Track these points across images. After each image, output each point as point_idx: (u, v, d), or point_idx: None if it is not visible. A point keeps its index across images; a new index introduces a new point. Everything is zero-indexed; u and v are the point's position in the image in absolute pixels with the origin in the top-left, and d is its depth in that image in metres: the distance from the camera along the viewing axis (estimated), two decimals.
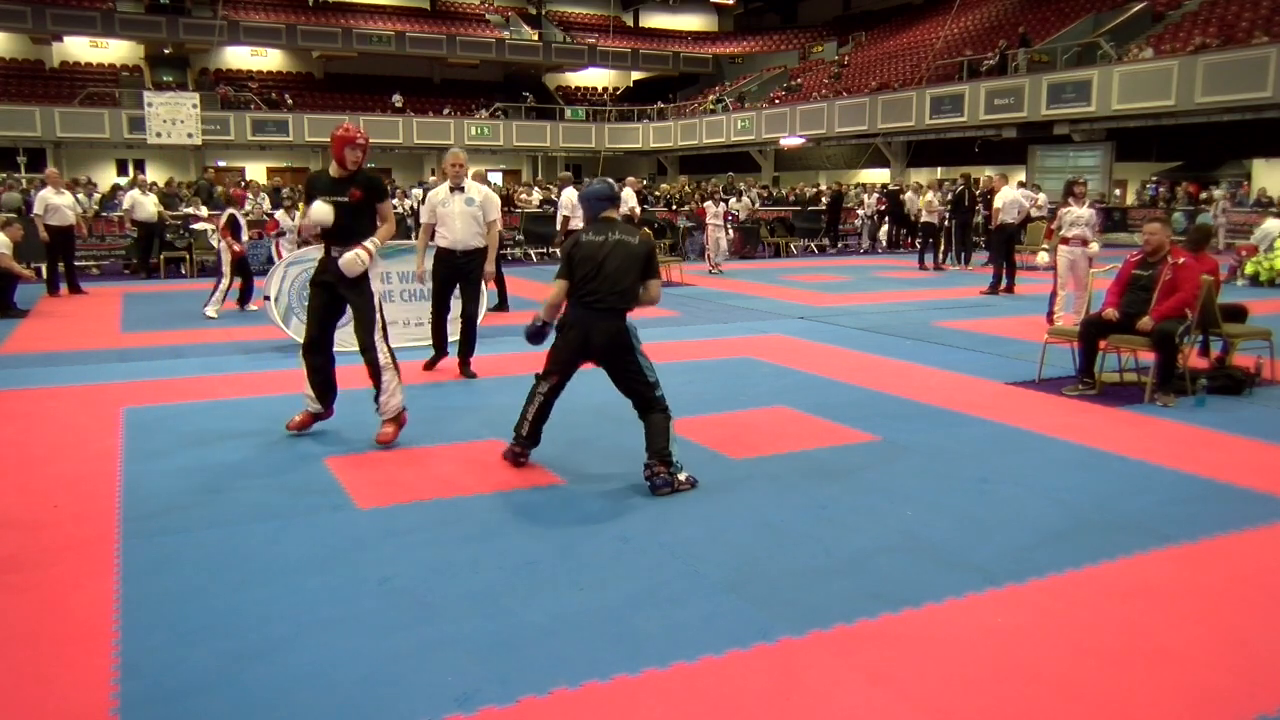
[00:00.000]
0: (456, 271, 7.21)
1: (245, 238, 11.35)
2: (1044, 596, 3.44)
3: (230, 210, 11.62)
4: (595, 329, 4.62)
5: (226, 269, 11.02)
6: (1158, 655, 3.01)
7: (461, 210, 7.09)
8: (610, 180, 5.04)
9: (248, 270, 11.54)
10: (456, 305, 7.43)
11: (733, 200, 22.38)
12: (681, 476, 4.64)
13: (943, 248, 16.97)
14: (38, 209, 12.65)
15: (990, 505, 4.41)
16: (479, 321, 7.53)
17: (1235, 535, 4.03)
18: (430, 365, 7.57)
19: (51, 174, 13.66)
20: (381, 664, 2.94)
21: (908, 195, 19.22)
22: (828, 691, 2.80)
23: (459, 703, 2.71)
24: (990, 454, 5.23)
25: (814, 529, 4.11)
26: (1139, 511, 4.32)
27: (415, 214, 18.39)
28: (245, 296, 11.39)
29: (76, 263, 13.56)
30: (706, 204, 17.86)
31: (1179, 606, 3.36)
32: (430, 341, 7.72)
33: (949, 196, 16.81)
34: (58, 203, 12.73)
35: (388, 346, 5.47)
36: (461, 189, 7.15)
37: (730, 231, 18.25)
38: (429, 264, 7.38)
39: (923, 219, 16.92)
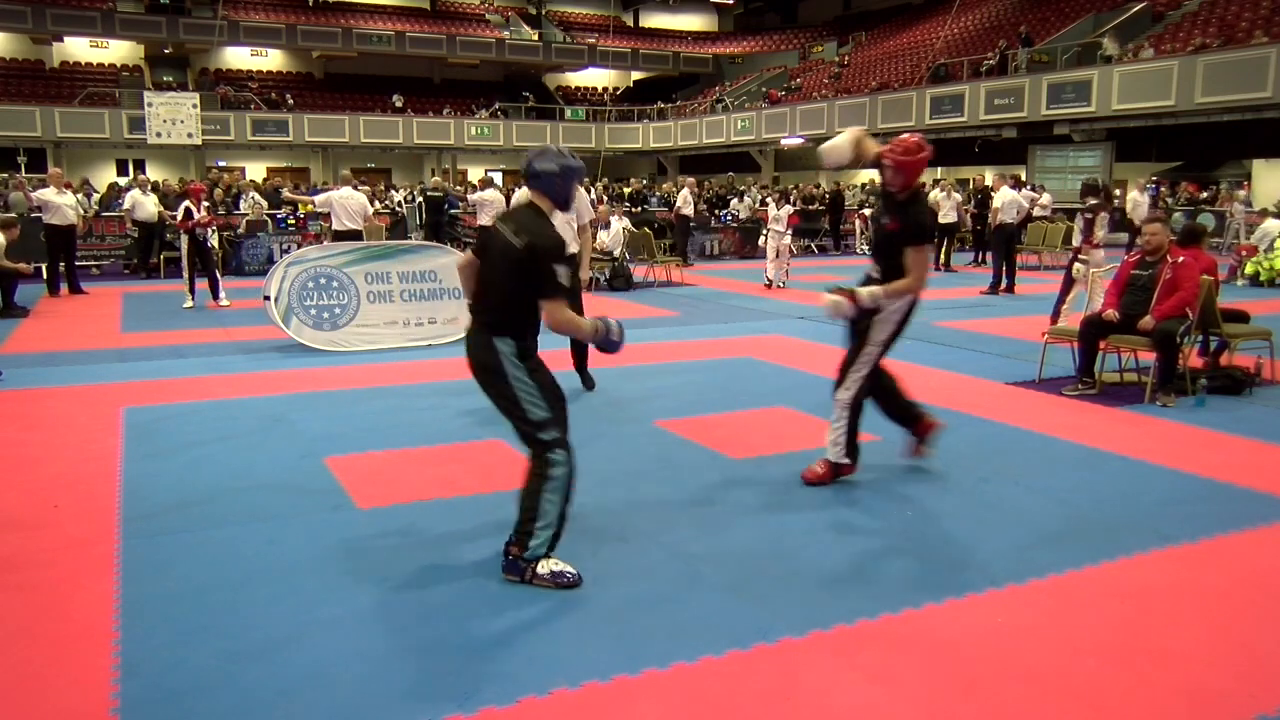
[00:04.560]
0: None
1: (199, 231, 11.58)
2: (1044, 596, 3.44)
3: (186, 203, 11.70)
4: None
5: (185, 261, 11.65)
6: (1158, 655, 3.01)
7: (559, 214, 6.75)
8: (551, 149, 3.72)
9: (208, 263, 11.80)
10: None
11: (734, 201, 22.37)
12: (546, 569, 3.49)
13: (949, 248, 16.83)
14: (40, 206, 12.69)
15: (990, 505, 4.41)
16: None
17: (1235, 535, 4.03)
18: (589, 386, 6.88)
19: (54, 173, 13.69)
20: (381, 664, 2.94)
21: (936, 194, 17.99)
22: (828, 691, 2.80)
23: (459, 703, 2.71)
24: (990, 454, 5.23)
25: (814, 529, 4.11)
26: (1139, 511, 4.32)
27: (419, 215, 18.42)
28: (214, 290, 11.74)
29: (76, 263, 13.57)
30: (766, 206, 15.39)
31: (1179, 606, 3.36)
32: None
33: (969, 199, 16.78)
34: (58, 202, 12.76)
35: (855, 393, 4.67)
36: None
37: (789, 239, 15.10)
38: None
39: (941, 219, 16.56)
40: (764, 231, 14.94)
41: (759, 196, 23.11)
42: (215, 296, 11.67)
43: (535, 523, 3.47)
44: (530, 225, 3.52)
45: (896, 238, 4.57)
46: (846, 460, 4.71)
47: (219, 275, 12.06)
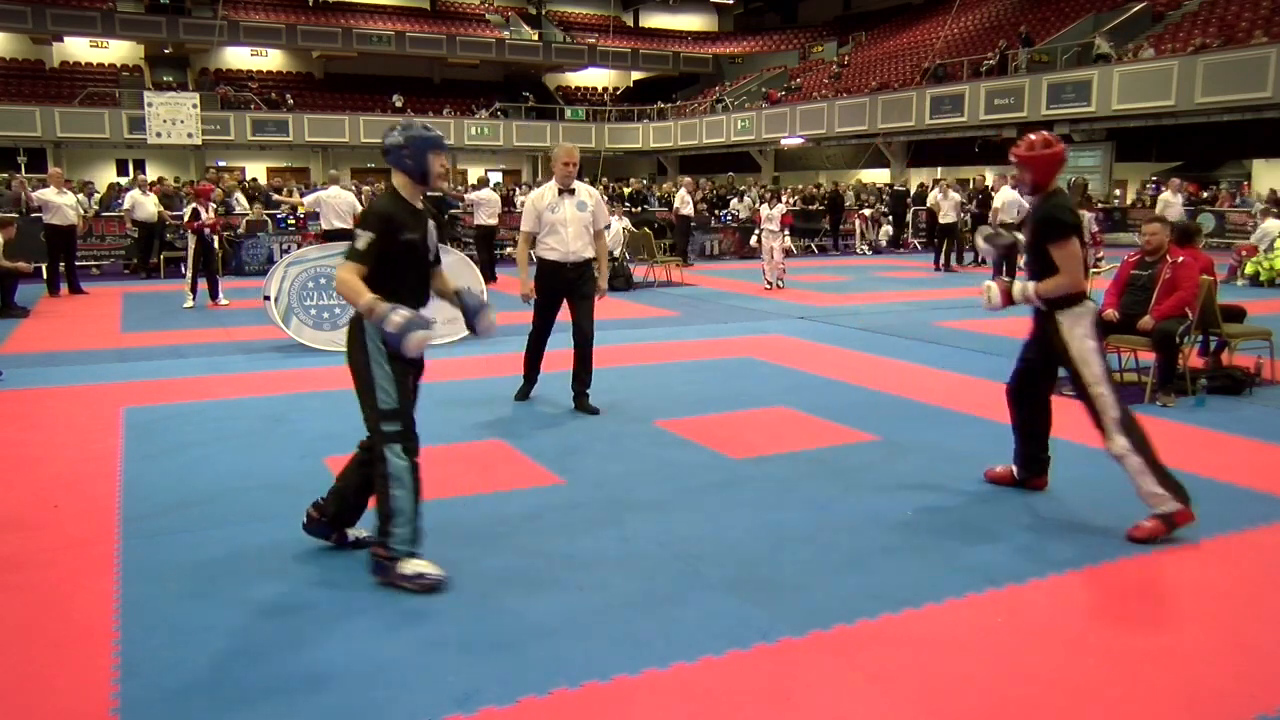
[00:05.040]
0: (566, 287, 6.18)
1: (207, 232, 11.72)
2: (1044, 596, 3.44)
3: (194, 205, 11.77)
4: None
5: (189, 261, 11.77)
6: (1158, 655, 3.01)
7: (575, 216, 6.09)
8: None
9: (212, 263, 11.93)
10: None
11: (733, 201, 22.39)
12: (408, 569, 3.45)
13: (949, 248, 16.86)
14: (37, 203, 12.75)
15: (990, 505, 4.41)
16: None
17: (1235, 535, 4.03)
18: (523, 396, 6.51)
19: (55, 173, 13.72)
20: (381, 664, 2.94)
21: (934, 195, 17.97)
22: (828, 691, 2.79)
23: (459, 703, 2.71)
24: (990, 454, 5.22)
25: (814, 529, 4.11)
26: (1139, 511, 4.30)
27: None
28: (213, 291, 11.83)
29: (76, 263, 13.59)
30: (761, 207, 15.18)
31: (1179, 606, 3.36)
32: (523, 371, 6.54)
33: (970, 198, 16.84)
34: (59, 202, 12.78)
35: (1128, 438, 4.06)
36: (572, 191, 6.15)
37: (787, 239, 14.57)
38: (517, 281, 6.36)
39: (941, 220, 16.74)
40: (756, 232, 14.72)
41: (759, 196, 23.14)
42: (214, 297, 11.72)
43: (391, 521, 3.45)
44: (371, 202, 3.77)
45: (1034, 239, 4.29)
46: (1177, 506, 3.95)
47: (219, 276, 12.11)
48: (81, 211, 14.48)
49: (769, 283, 13.67)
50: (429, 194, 3.90)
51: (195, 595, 3.42)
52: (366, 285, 3.43)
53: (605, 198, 20.51)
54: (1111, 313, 6.54)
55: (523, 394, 6.53)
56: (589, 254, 6.21)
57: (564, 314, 6.32)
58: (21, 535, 4.00)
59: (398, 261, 3.52)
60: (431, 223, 3.75)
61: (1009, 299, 4.35)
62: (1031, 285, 4.25)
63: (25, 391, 6.83)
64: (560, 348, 6.43)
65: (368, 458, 3.62)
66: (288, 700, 2.74)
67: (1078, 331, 4.15)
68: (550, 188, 6.18)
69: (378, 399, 3.49)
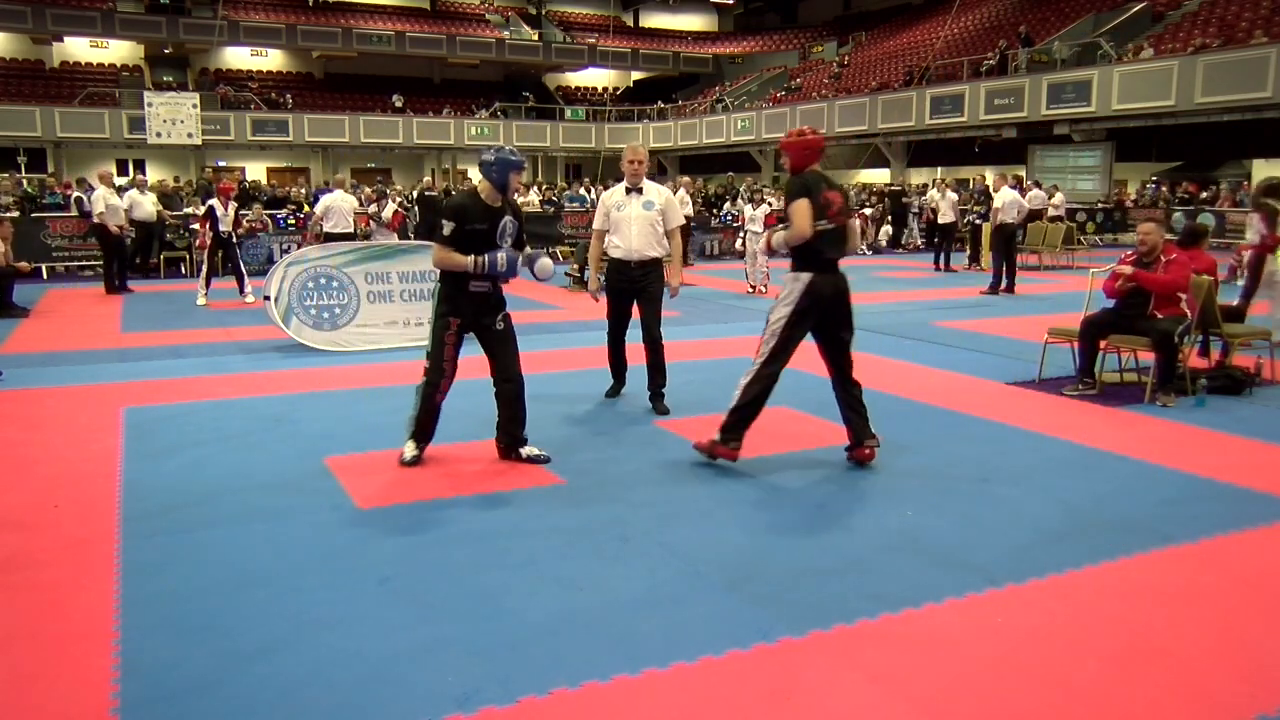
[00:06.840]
0: (631, 285, 6.27)
1: (224, 228, 11.89)
2: (1044, 596, 3.44)
3: (211, 201, 11.97)
4: None
5: (204, 257, 12.05)
6: (1158, 655, 3.01)
7: (639, 215, 6.16)
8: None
9: (234, 259, 12.18)
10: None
11: (730, 201, 22.38)
12: (404, 449, 5.01)
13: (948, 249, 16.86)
14: (98, 208, 12.73)
15: (990, 505, 4.41)
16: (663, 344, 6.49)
17: (1235, 535, 4.02)
18: (613, 394, 6.69)
19: (105, 174, 13.77)
20: (381, 664, 2.94)
21: (931, 194, 18.02)
22: (828, 691, 2.79)
23: (459, 703, 2.71)
24: (990, 454, 5.23)
25: (814, 529, 4.11)
26: (1139, 511, 4.32)
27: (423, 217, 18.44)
28: (240, 285, 12.05)
29: (81, 263, 13.67)
30: (746, 206, 15.07)
31: (1179, 606, 3.36)
32: (609, 368, 6.72)
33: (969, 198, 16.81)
34: (116, 203, 12.92)
35: (748, 377, 5.09)
36: (640, 190, 6.22)
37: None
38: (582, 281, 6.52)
39: (940, 220, 16.75)
40: (742, 233, 14.41)
41: (745, 197, 23.14)
42: (241, 293, 11.87)
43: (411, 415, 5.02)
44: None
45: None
46: (716, 438, 4.94)
47: (243, 273, 12.27)
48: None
49: (752, 286, 13.33)
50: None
51: (195, 595, 3.42)
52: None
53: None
54: (1124, 268, 6.46)
55: (613, 392, 6.70)
56: (654, 253, 6.23)
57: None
58: (21, 535, 4.00)
59: (465, 243, 4.81)
60: (509, 217, 4.99)
61: (769, 246, 5.10)
62: (779, 235, 4.90)
63: (25, 391, 6.83)
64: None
65: (500, 401, 5.07)
66: (288, 700, 2.73)
67: (785, 295, 4.93)
68: (618, 188, 6.35)
69: (429, 343, 5.00)
